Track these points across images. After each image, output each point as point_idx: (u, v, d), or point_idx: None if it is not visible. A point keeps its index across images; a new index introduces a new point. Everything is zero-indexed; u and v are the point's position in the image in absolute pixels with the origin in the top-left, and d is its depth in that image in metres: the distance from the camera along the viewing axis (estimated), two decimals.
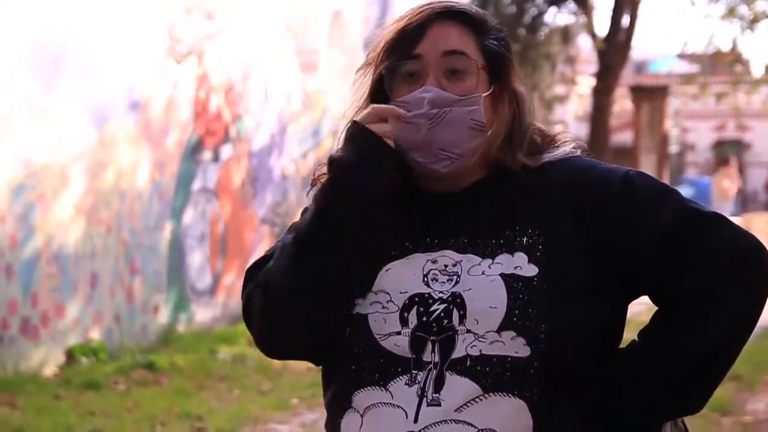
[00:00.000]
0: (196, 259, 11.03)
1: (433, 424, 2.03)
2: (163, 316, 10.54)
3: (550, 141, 2.23)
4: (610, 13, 19.48)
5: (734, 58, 21.05)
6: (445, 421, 2.03)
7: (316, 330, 2.13)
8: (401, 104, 2.15)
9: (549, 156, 2.20)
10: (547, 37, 19.85)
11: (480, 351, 2.04)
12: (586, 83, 25.40)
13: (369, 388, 2.09)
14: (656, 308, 2.17)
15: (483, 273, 2.09)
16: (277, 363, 9.46)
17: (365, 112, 2.15)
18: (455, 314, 2.07)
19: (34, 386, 8.39)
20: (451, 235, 2.14)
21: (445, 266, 2.11)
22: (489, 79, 2.18)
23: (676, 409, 2.14)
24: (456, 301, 2.08)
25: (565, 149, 2.22)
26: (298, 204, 11.60)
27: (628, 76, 26.57)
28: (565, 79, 21.65)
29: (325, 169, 2.18)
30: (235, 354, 9.80)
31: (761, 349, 8.94)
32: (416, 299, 2.10)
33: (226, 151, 11.39)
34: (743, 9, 19.85)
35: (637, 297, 2.16)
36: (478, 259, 2.11)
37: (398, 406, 2.06)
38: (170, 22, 10.45)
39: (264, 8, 11.72)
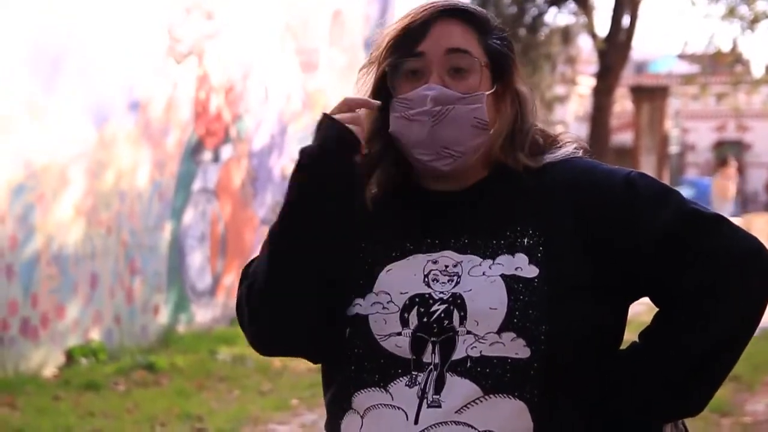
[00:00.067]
0: (197, 259, 11.02)
1: (434, 425, 2.03)
2: (163, 317, 10.54)
3: (552, 142, 2.23)
4: (610, 14, 19.50)
5: (734, 58, 21.06)
6: (446, 423, 2.03)
7: (302, 324, 2.14)
8: (404, 101, 2.15)
9: (550, 157, 2.20)
10: (548, 38, 19.86)
11: (480, 352, 2.04)
12: (586, 83, 25.40)
13: (369, 389, 2.09)
14: (657, 309, 2.16)
15: (483, 274, 2.09)
16: (277, 363, 9.46)
17: (337, 103, 2.17)
18: (456, 315, 2.07)
19: (33, 387, 8.38)
20: (451, 235, 2.14)
21: (446, 267, 2.11)
22: (492, 78, 2.18)
23: (676, 409, 2.14)
24: (456, 302, 2.08)
25: (566, 150, 2.22)
26: None
27: (628, 77, 26.58)
28: (565, 79, 21.66)
29: None
30: (235, 354, 9.80)
31: (760, 350, 8.93)
32: (417, 299, 2.10)
33: (226, 151, 11.39)
34: (743, 9, 19.86)
35: (637, 298, 2.15)
36: (478, 259, 2.10)
37: (398, 408, 2.06)
38: (170, 22, 10.45)
39: (264, 8, 11.72)
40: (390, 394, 2.07)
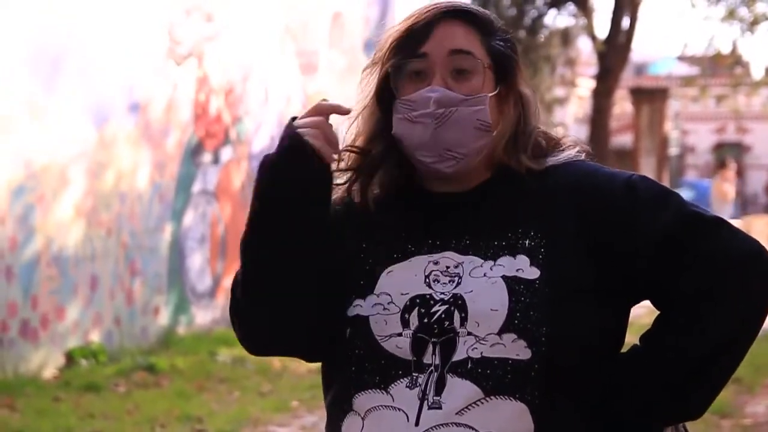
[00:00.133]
0: (197, 261, 11.02)
1: (434, 427, 2.03)
2: (164, 318, 10.54)
3: (554, 144, 2.23)
4: (610, 15, 19.51)
5: (734, 60, 21.08)
6: (446, 425, 2.02)
7: (286, 326, 2.15)
8: (407, 103, 2.14)
9: (553, 159, 2.20)
10: (547, 40, 19.85)
11: (481, 353, 2.04)
12: (586, 85, 25.40)
13: (369, 390, 2.09)
14: (657, 311, 2.17)
15: (484, 275, 2.09)
16: (277, 365, 9.46)
17: (309, 108, 2.17)
18: (456, 316, 2.07)
19: (33, 388, 8.38)
20: (453, 236, 2.14)
21: (447, 267, 2.11)
22: (495, 80, 2.17)
23: (676, 411, 2.14)
24: (457, 303, 2.08)
25: (569, 153, 2.22)
26: None
27: (628, 78, 26.56)
28: (564, 81, 21.66)
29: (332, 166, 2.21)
30: (235, 356, 9.80)
31: (761, 352, 8.92)
32: (417, 300, 2.10)
33: (226, 153, 11.39)
34: (743, 11, 19.87)
35: (638, 301, 2.15)
36: (479, 260, 2.10)
37: (399, 409, 2.06)
38: (170, 23, 10.45)
39: (264, 10, 11.72)
40: (391, 395, 2.07)
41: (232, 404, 8.25)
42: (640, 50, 29.66)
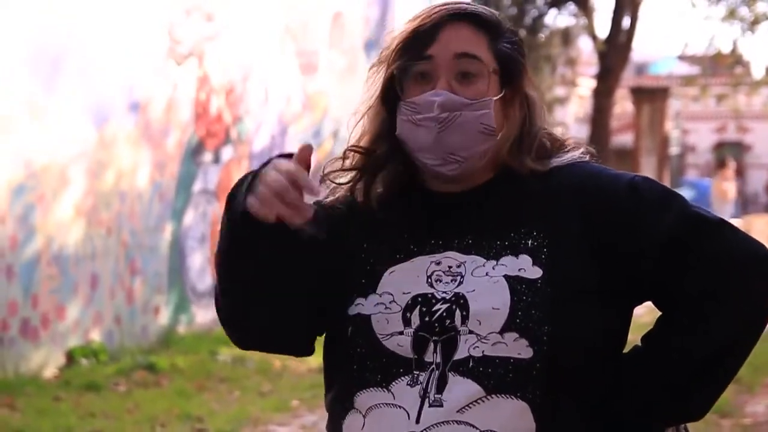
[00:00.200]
0: (197, 260, 11.02)
1: (435, 424, 2.03)
2: (164, 318, 10.54)
3: (559, 146, 2.23)
4: (610, 15, 19.52)
5: (735, 59, 21.08)
6: (447, 422, 2.03)
7: (271, 329, 2.18)
8: (411, 105, 2.14)
9: (557, 161, 2.20)
10: (548, 39, 19.86)
11: (482, 352, 2.04)
12: (586, 85, 25.40)
13: (371, 388, 2.09)
14: (659, 311, 2.17)
15: (487, 274, 2.09)
16: (277, 364, 9.47)
17: (277, 165, 2.03)
18: (458, 314, 2.07)
19: (34, 388, 8.38)
20: (455, 235, 2.14)
21: (449, 267, 2.11)
22: (500, 83, 2.17)
23: (678, 412, 2.14)
24: (459, 301, 2.08)
25: (573, 154, 2.22)
26: None
27: (628, 78, 26.56)
28: (565, 80, 21.67)
29: (337, 165, 2.22)
30: (235, 355, 9.79)
31: (761, 351, 8.92)
32: (419, 299, 2.10)
33: (226, 152, 11.39)
34: (744, 11, 19.88)
35: (642, 301, 2.15)
36: (482, 260, 2.11)
37: (400, 407, 2.06)
38: (170, 23, 10.45)
39: (264, 10, 11.72)
40: (392, 393, 2.07)
41: (233, 404, 8.25)
42: (640, 50, 29.65)
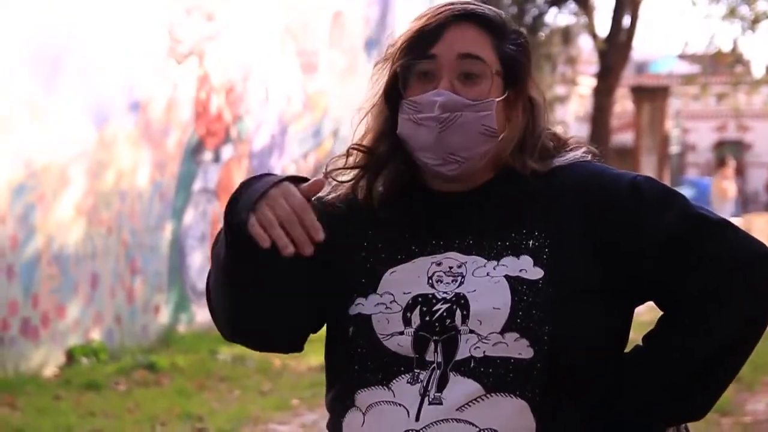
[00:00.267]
0: (197, 259, 11.03)
1: (435, 422, 2.03)
2: (164, 317, 10.54)
3: (561, 145, 2.23)
4: (611, 14, 19.52)
5: (735, 58, 21.07)
6: (446, 420, 2.03)
7: (257, 327, 2.18)
8: (413, 104, 2.14)
9: (559, 160, 2.19)
10: (548, 38, 19.86)
11: (483, 352, 2.04)
12: (586, 84, 25.40)
13: (372, 387, 2.10)
14: (659, 310, 2.17)
15: (487, 275, 2.09)
16: (277, 363, 9.47)
17: (287, 193, 2.03)
18: (458, 314, 2.07)
19: (34, 387, 8.38)
20: (456, 236, 2.14)
21: (450, 268, 2.11)
22: (504, 85, 2.16)
23: (679, 412, 2.14)
24: (460, 302, 2.08)
25: (575, 154, 2.21)
26: None
27: (628, 77, 26.55)
28: (565, 79, 21.66)
29: (339, 163, 2.22)
30: (235, 354, 9.79)
31: (761, 350, 8.92)
32: (420, 299, 2.11)
33: (226, 151, 11.39)
34: (744, 9, 19.88)
35: (643, 301, 2.15)
36: (483, 260, 2.11)
37: (400, 405, 2.07)
38: (170, 22, 10.45)
39: (264, 9, 11.72)
40: (392, 391, 2.08)
41: (233, 403, 8.25)
42: (640, 48, 29.66)
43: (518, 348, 2.04)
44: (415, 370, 2.07)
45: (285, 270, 2.09)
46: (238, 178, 11.54)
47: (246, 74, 11.52)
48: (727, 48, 20.55)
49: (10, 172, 8.67)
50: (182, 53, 10.63)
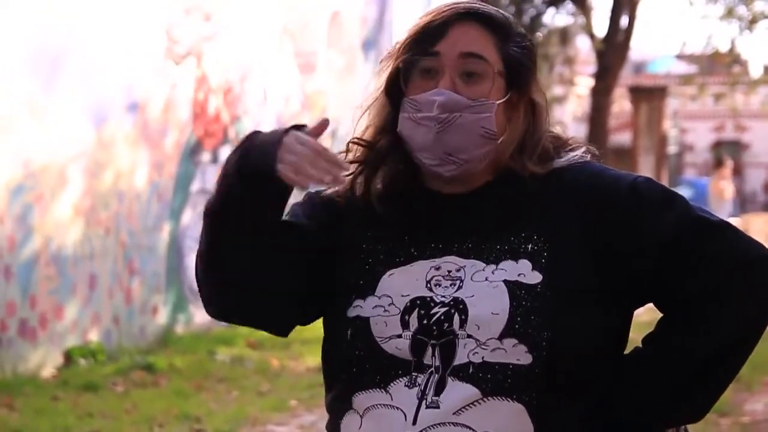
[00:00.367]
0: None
1: (432, 426, 2.03)
2: (162, 318, 10.54)
3: (562, 145, 2.22)
4: (608, 14, 19.50)
5: (733, 58, 21.06)
6: (444, 424, 2.03)
7: (244, 294, 2.15)
8: (413, 103, 2.14)
9: (559, 162, 2.19)
10: (546, 38, 19.84)
11: (482, 358, 2.04)
12: (584, 84, 25.39)
13: (369, 390, 2.10)
14: (658, 310, 2.16)
15: (486, 279, 2.09)
16: (276, 364, 9.46)
17: (299, 138, 2.05)
18: (456, 318, 2.07)
19: (32, 388, 8.37)
20: (455, 239, 2.14)
21: (449, 272, 2.11)
22: (506, 86, 2.16)
23: (678, 412, 2.14)
24: (458, 306, 2.08)
25: (575, 154, 2.21)
26: None
27: (626, 77, 26.54)
28: (563, 79, 21.64)
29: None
30: (233, 355, 9.79)
31: (760, 350, 8.92)
32: (418, 302, 2.11)
33: (224, 152, 11.37)
34: (742, 9, 19.87)
35: (643, 303, 2.15)
36: (482, 264, 2.10)
37: (397, 408, 2.07)
38: (169, 23, 10.44)
39: (262, 10, 11.72)
40: (390, 394, 2.08)
41: (231, 403, 8.24)
42: (638, 48, 29.69)
43: (517, 354, 2.04)
44: (413, 374, 2.07)
45: (274, 235, 2.10)
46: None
47: (244, 75, 11.52)
48: (724, 48, 20.55)
49: (8, 172, 8.66)
50: (180, 54, 10.63)
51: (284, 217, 2.18)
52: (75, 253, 9.37)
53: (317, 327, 2.27)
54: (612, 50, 19.21)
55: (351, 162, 2.21)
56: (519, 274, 2.08)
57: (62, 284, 9.24)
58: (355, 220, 2.20)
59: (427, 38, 2.15)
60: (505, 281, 2.08)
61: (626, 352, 2.16)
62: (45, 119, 8.95)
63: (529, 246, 2.11)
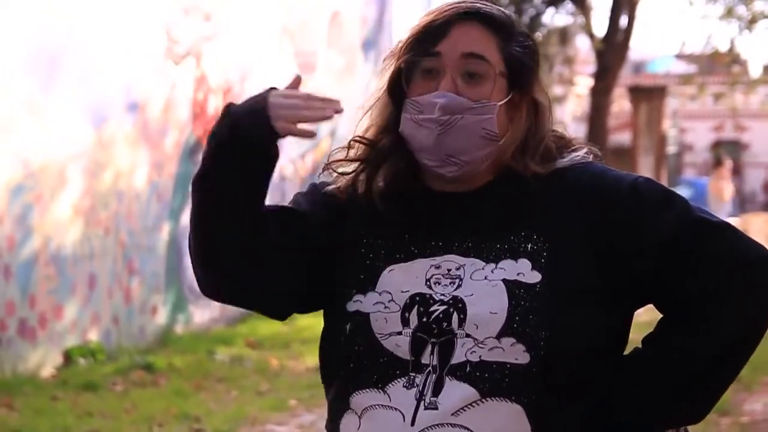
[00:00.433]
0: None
1: (430, 427, 2.04)
2: (161, 317, 10.54)
3: (564, 145, 2.22)
4: (608, 14, 19.50)
5: (732, 58, 21.07)
6: (442, 425, 2.03)
7: (233, 270, 2.16)
8: (415, 104, 2.14)
9: (561, 162, 2.19)
10: (545, 38, 19.84)
11: (480, 357, 2.04)
12: (584, 84, 25.39)
13: (366, 389, 2.10)
14: (657, 310, 2.16)
15: (485, 278, 2.09)
16: (275, 364, 9.46)
17: (282, 92, 2.16)
18: (455, 317, 2.07)
19: (31, 387, 8.38)
20: (455, 238, 2.14)
21: (448, 270, 2.11)
22: (508, 86, 2.16)
23: (678, 412, 2.14)
24: (457, 305, 2.08)
25: (577, 155, 2.21)
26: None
27: (626, 77, 26.55)
28: (563, 79, 21.64)
29: (341, 155, 2.22)
30: (233, 355, 9.80)
31: (759, 350, 8.92)
32: (417, 298, 2.11)
33: None
34: (741, 9, 19.87)
35: (643, 304, 2.15)
36: (481, 263, 2.11)
37: (396, 409, 2.07)
38: (168, 23, 10.44)
39: (262, 10, 11.72)
40: (388, 395, 2.08)
41: (230, 403, 8.24)
42: (638, 48, 29.70)
43: (514, 353, 2.04)
44: (411, 374, 2.07)
45: (274, 228, 2.13)
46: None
47: (244, 75, 11.52)
48: (724, 48, 20.55)
49: (7, 172, 8.66)
50: (180, 54, 10.63)
51: (288, 204, 2.21)
52: (74, 253, 9.37)
53: (316, 327, 2.27)
54: (611, 50, 19.22)
55: (353, 160, 2.21)
56: (518, 274, 2.08)
57: (62, 284, 9.24)
58: (357, 217, 2.20)
59: (428, 38, 2.14)
60: (504, 280, 2.08)
61: (626, 352, 2.16)
62: (44, 119, 8.95)
63: (529, 245, 2.11)
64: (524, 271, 2.08)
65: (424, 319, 2.09)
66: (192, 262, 2.21)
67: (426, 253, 2.14)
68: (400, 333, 2.09)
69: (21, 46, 8.70)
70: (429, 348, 2.07)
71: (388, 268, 2.15)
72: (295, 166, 12.42)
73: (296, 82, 2.17)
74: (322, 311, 2.24)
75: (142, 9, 10.06)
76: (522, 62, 2.17)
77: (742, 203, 29.15)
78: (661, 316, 2.16)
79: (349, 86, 12.69)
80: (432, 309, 2.09)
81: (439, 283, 2.11)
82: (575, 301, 2.07)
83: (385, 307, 2.12)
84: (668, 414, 2.13)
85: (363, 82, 13.04)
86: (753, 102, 24.46)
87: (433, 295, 2.10)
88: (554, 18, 20.97)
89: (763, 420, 7.91)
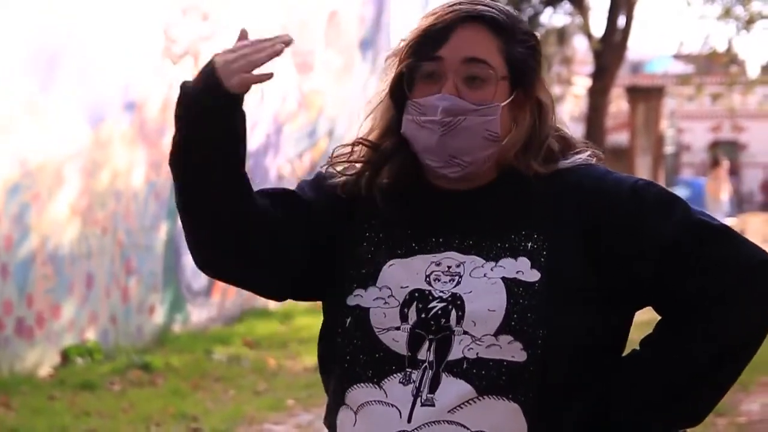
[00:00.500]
0: (192, 259, 11.01)
1: (426, 424, 2.03)
2: (159, 317, 10.54)
3: (567, 146, 2.22)
4: (606, 14, 19.52)
5: (730, 58, 21.09)
6: (438, 422, 2.03)
7: (219, 239, 2.25)
8: (417, 106, 2.14)
9: (563, 163, 2.19)
10: (543, 38, 19.82)
11: (477, 354, 2.04)
12: (581, 84, 25.41)
13: (362, 384, 2.10)
14: (656, 311, 2.16)
15: (485, 276, 2.09)
16: (272, 364, 9.47)
17: (226, 49, 2.19)
18: (453, 314, 2.07)
19: (29, 387, 8.38)
20: (456, 235, 2.14)
21: (448, 267, 2.11)
22: (511, 88, 2.15)
23: (677, 414, 2.13)
24: (456, 302, 2.08)
25: (580, 157, 2.20)
26: None
27: (623, 77, 26.58)
28: (560, 79, 21.66)
29: (342, 150, 2.22)
30: (230, 354, 9.80)
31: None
32: (416, 294, 2.11)
33: None
34: (739, 10, 19.89)
35: (642, 306, 2.14)
36: (481, 261, 2.11)
37: (392, 405, 2.07)
38: (166, 22, 10.45)
39: (260, 9, 11.72)
40: (384, 390, 2.08)
41: (228, 403, 8.25)
42: (636, 48, 29.67)
43: (512, 351, 2.04)
44: (407, 370, 2.07)
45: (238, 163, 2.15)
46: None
47: None
48: (722, 48, 20.58)
49: (5, 171, 8.66)
50: (178, 53, 10.63)
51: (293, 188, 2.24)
52: (72, 253, 9.37)
53: (314, 327, 2.27)
54: (609, 50, 19.23)
55: (356, 162, 2.22)
56: (517, 272, 2.08)
57: (59, 283, 9.24)
58: (360, 212, 2.20)
59: (429, 42, 2.13)
60: (503, 278, 2.08)
61: (625, 352, 2.16)
62: (42, 118, 8.95)
63: (529, 244, 2.11)
64: (523, 269, 2.08)
65: (423, 315, 2.09)
66: (186, 240, 2.29)
67: (426, 250, 2.14)
68: (398, 328, 2.10)
69: (20, 46, 8.71)
70: (426, 344, 2.07)
71: (388, 263, 2.15)
72: (292, 166, 12.42)
73: (243, 35, 2.18)
74: (321, 310, 2.24)
75: (140, 9, 10.06)
76: (525, 63, 2.16)
77: (740, 203, 29.18)
78: (660, 317, 2.16)
79: (346, 85, 12.69)
80: (431, 305, 2.09)
81: (439, 280, 2.11)
82: (574, 300, 2.07)
83: (385, 302, 2.12)
84: (666, 415, 2.12)
85: (361, 82, 13.04)
86: (751, 102, 24.50)
87: (433, 292, 2.10)
88: (552, 18, 21.00)
89: (760, 420, 7.92)
